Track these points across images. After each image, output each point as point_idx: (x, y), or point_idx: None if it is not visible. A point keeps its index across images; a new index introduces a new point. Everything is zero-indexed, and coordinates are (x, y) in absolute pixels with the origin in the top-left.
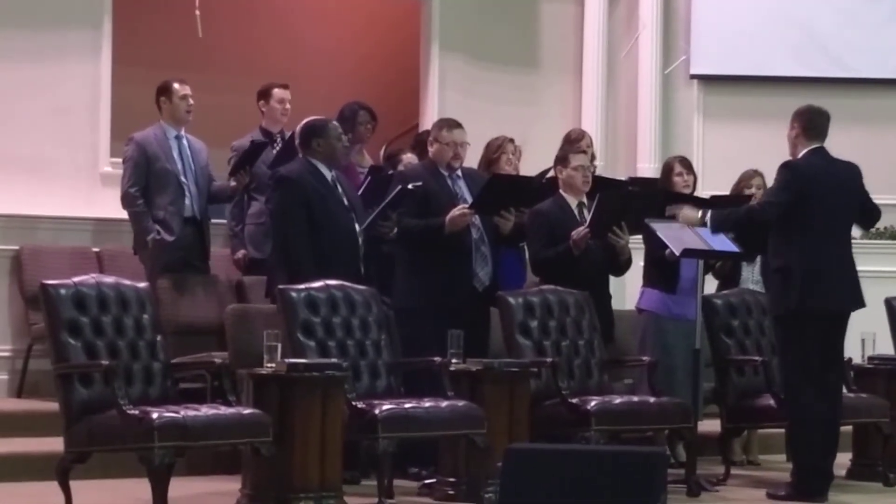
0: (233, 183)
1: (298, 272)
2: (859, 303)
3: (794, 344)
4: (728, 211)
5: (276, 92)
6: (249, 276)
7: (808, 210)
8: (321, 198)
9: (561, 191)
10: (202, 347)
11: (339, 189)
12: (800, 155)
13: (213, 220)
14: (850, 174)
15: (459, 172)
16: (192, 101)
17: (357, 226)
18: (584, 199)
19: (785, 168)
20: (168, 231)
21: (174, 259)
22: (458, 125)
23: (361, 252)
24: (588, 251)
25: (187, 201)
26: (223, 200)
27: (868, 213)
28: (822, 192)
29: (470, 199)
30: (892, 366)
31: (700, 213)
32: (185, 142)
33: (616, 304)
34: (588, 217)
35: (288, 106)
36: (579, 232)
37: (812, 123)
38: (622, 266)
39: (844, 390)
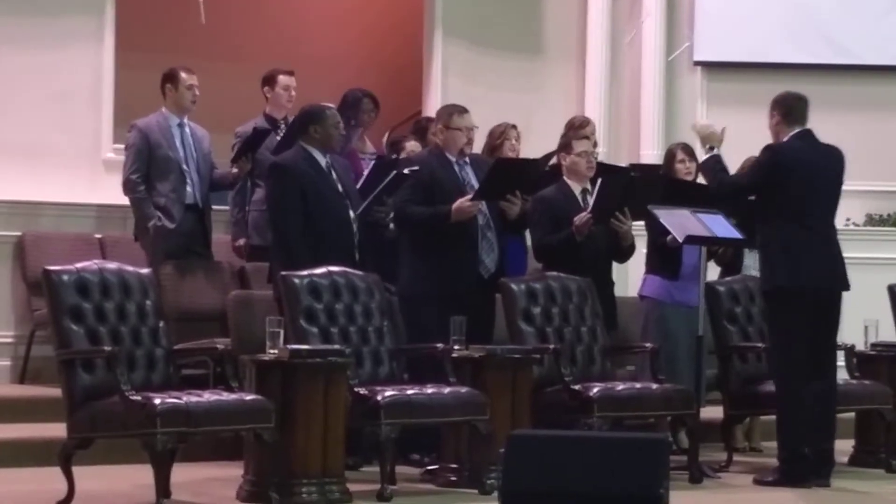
0: (234, 170)
1: (293, 259)
2: (844, 284)
3: (782, 325)
4: (720, 167)
5: (282, 78)
6: (252, 263)
7: (789, 190)
8: (315, 185)
9: (564, 177)
10: (205, 333)
11: (334, 176)
12: (784, 140)
13: (215, 207)
14: (832, 158)
15: (467, 159)
16: (197, 92)
17: (352, 212)
18: (588, 186)
19: (766, 150)
20: (169, 218)
21: (175, 246)
22: (466, 110)
23: (356, 239)
24: (591, 237)
25: (189, 188)
26: (225, 187)
27: None
28: (804, 173)
29: (477, 186)
30: (895, 353)
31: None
32: (187, 129)
33: (619, 291)
34: (591, 203)
35: (293, 93)
36: (582, 217)
37: (791, 110)
38: (625, 252)
39: (846, 377)
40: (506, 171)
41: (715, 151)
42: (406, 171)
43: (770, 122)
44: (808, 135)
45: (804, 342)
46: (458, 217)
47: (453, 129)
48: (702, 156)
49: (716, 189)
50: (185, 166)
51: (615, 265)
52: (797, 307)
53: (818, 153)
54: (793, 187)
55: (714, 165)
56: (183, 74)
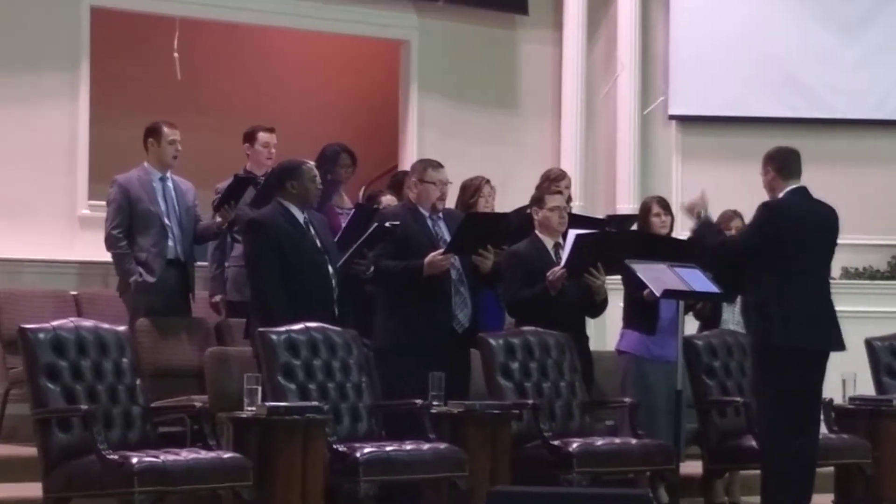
0: (218, 219)
1: (272, 315)
2: (840, 345)
3: (772, 382)
4: (715, 231)
5: (262, 135)
6: (231, 319)
7: (786, 248)
8: (293, 241)
9: (536, 231)
10: (182, 390)
11: (312, 231)
12: (780, 195)
13: (198, 263)
14: (828, 217)
15: (440, 213)
16: (180, 147)
17: (330, 268)
18: (560, 240)
19: (763, 207)
20: (150, 272)
21: (156, 301)
22: (440, 165)
23: (335, 294)
24: (564, 292)
25: (170, 243)
26: (210, 238)
27: None
28: (801, 230)
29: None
30: (874, 406)
31: (702, 213)
32: (170, 183)
33: (597, 346)
34: (564, 257)
35: (273, 149)
36: (555, 272)
37: (786, 163)
38: (598, 307)
39: (825, 431)
40: (477, 226)
41: (703, 216)
42: (388, 224)
43: (764, 179)
44: (803, 191)
45: (792, 399)
46: (431, 271)
47: (427, 183)
48: (690, 222)
49: (723, 250)
50: (166, 220)
51: (590, 320)
52: (789, 365)
53: (815, 210)
54: (790, 245)
55: (707, 230)
56: (165, 129)
